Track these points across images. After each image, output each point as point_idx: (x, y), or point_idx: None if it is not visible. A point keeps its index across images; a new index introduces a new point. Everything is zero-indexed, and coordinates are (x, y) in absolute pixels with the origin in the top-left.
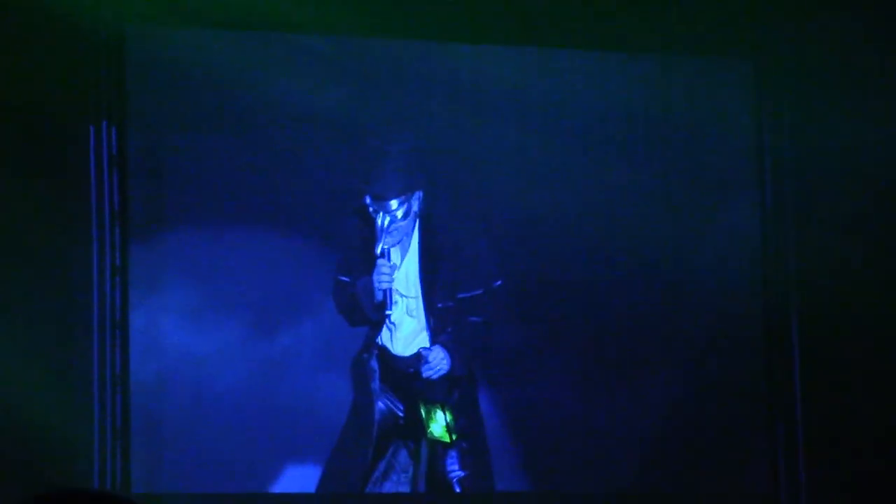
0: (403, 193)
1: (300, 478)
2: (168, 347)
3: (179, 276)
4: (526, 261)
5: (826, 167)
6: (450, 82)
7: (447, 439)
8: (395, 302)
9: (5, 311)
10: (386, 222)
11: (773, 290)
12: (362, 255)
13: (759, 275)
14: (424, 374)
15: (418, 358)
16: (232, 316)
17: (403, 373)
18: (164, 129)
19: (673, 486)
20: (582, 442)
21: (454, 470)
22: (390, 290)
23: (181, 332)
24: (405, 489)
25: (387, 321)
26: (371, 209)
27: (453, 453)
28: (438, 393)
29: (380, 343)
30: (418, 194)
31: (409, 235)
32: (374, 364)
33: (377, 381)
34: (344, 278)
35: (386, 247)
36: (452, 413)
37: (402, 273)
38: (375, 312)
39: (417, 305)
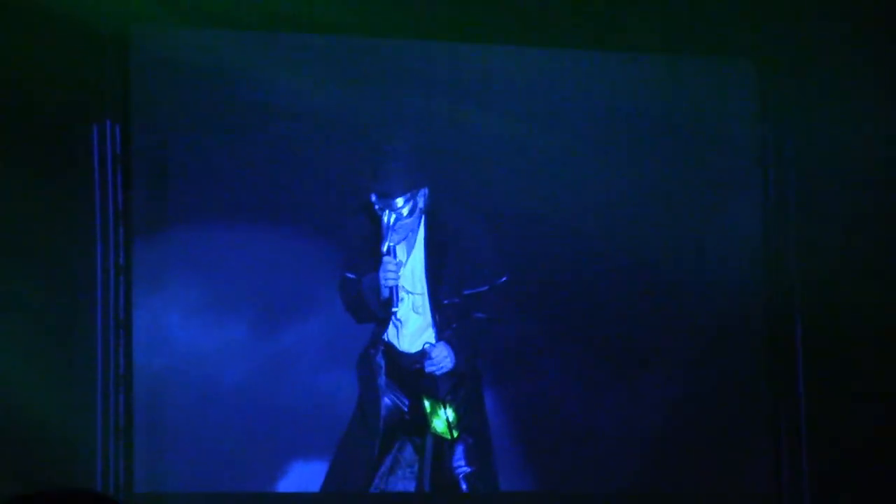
0: (409, 191)
1: (306, 474)
2: (172, 346)
3: (183, 275)
4: (531, 258)
5: (828, 166)
6: (455, 81)
7: (449, 436)
8: (402, 299)
9: (9, 310)
10: (392, 219)
11: (775, 289)
12: (368, 253)
13: (761, 274)
14: (428, 370)
15: (422, 354)
16: (236, 314)
17: (409, 369)
18: (167, 129)
19: (675, 486)
20: (584, 440)
21: (460, 466)
22: (396, 286)
23: (185, 331)
24: (411, 484)
25: (393, 318)
26: (377, 207)
27: (459, 449)
28: (442, 389)
29: (386, 339)
30: (424, 191)
31: (415, 232)
32: (381, 360)
33: (383, 377)
34: (350, 275)
35: (392, 244)
36: (455, 409)
37: (408, 270)
38: (382, 309)
39: (423, 302)
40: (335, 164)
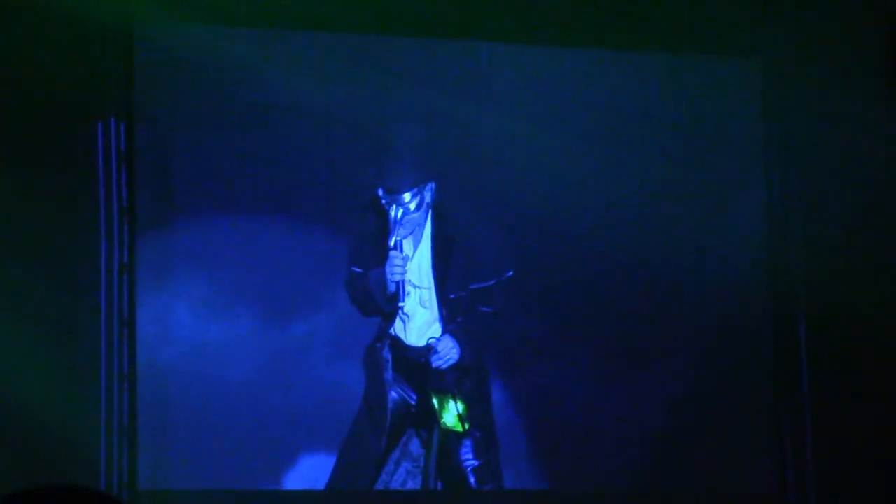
0: (416, 185)
1: (312, 468)
2: (176, 343)
3: (188, 272)
4: (536, 253)
5: (832, 166)
6: (460, 78)
7: (460, 429)
8: (408, 293)
9: (13, 308)
10: (399, 214)
11: (780, 288)
12: (375, 247)
13: (765, 273)
14: (434, 364)
15: (428, 349)
16: (241, 312)
17: (416, 363)
18: (171, 126)
19: (678, 485)
20: (586, 437)
21: (468, 459)
22: (403, 281)
23: (190, 329)
24: (418, 478)
25: (400, 312)
26: (384, 201)
27: (467, 443)
28: (449, 382)
29: (392, 333)
30: (430, 186)
31: (422, 226)
32: (387, 354)
33: (390, 371)
34: (357, 270)
35: (399, 238)
36: (465, 402)
37: (415, 264)
38: (388, 304)
39: (430, 296)
40: (341, 160)
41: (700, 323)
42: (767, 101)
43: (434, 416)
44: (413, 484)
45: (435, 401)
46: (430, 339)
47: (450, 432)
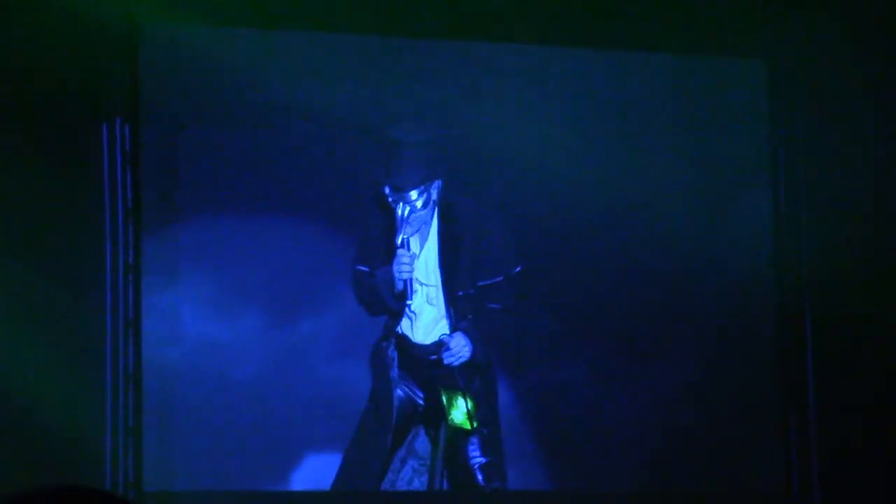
0: (423, 183)
1: (318, 468)
2: (182, 343)
3: (193, 272)
4: (544, 250)
5: (839, 166)
6: (468, 76)
7: (468, 426)
8: (415, 291)
9: (18, 308)
10: (406, 212)
11: (786, 286)
12: (382, 245)
13: (772, 271)
14: (446, 361)
15: (440, 345)
16: (247, 311)
17: (424, 360)
18: (177, 126)
19: (683, 485)
20: (592, 436)
21: (476, 456)
22: (410, 279)
23: (195, 329)
24: (424, 476)
25: (407, 310)
26: (390, 199)
27: (475, 440)
28: (460, 380)
29: (399, 331)
30: (437, 183)
31: (429, 224)
32: (393, 352)
33: (396, 369)
34: (363, 268)
35: (406, 236)
36: (473, 400)
37: (422, 262)
38: (395, 302)
39: (437, 294)
40: (347, 159)
41: (706, 323)
42: (773, 101)
43: (442, 414)
44: (419, 482)
45: (444, 398)
46: (443, 335)
47: (458, 430)
